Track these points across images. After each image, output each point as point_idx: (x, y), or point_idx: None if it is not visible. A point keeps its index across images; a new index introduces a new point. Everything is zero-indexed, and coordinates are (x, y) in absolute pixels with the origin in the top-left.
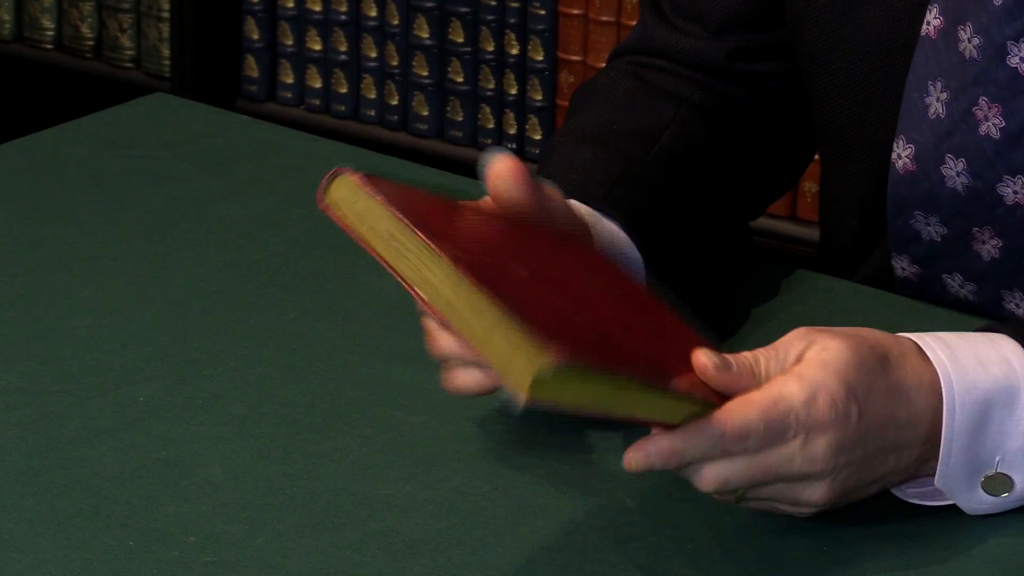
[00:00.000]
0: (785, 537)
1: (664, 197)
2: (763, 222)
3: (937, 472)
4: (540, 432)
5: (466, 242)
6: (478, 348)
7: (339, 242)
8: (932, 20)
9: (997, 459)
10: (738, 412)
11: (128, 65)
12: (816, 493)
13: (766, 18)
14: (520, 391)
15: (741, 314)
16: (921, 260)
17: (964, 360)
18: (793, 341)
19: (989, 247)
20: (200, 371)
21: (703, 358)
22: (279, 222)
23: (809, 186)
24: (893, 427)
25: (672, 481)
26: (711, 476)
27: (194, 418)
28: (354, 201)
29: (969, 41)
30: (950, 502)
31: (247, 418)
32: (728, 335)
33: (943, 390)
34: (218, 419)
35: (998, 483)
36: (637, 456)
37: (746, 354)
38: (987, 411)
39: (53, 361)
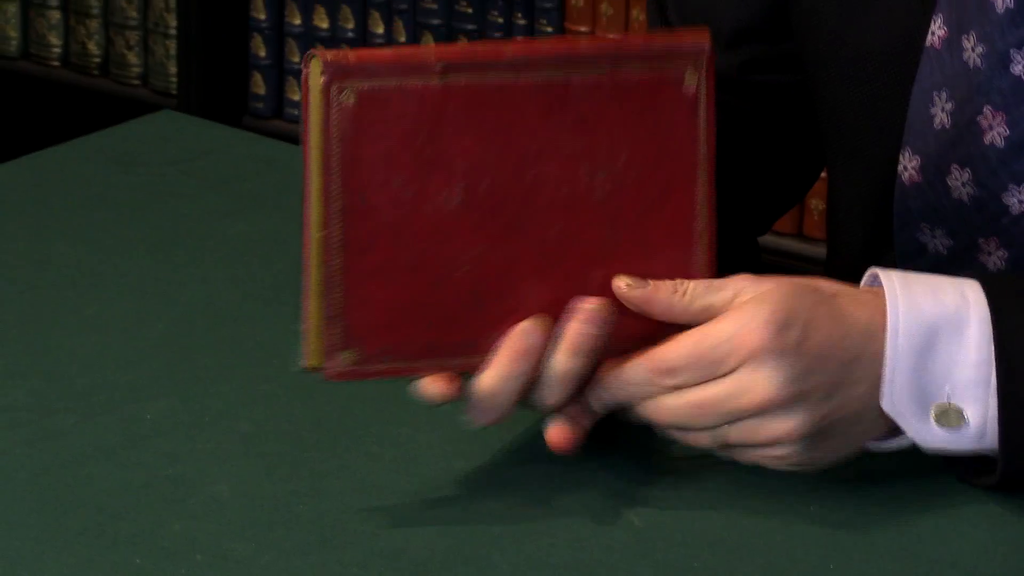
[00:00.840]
0: (794, 555)
1: None
2: (770, 239)
3: (883, 394)
4: (546, 452)
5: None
6: (306, 294)
7: None
8: (936, 30)
9: (947, 388)
10: (666, 347)
11: (135, 82)
12: (786, 425)
13: (777, 29)
14: (305, 360)
15: None
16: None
17: (916, 287)
18: (729, 281)
19: (995, 258)
20: (207, 388)
21: (618, 280)
22: (286, 239)
23: (816, 203)
24: (846, 353)
25: (679, 501)
26: (654, 411)
27: (201, 435)
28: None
29: (973, 50)
30: (908, 443)
31: (254, 435)
32: None
33: (887, 311)
34: (225, 436)
35: (951, 416)
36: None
37: (668, 283)
38: (933, 336)
39: (59, 378)
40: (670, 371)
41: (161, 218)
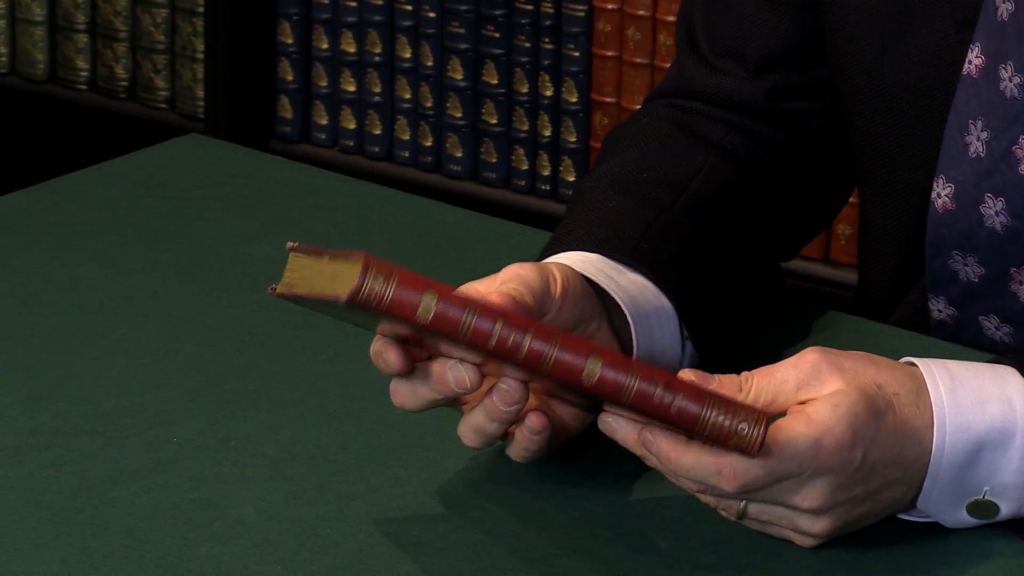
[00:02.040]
0: None
1: (693, 245)
2: (796, 264)
3: (919, 500)
4: (573, 474)
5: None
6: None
7: None
8: (974, 59)
9: (985, 489)
10: (741, 464)
11: (162, 106)
12: (816, 526)
13: (806, 56)
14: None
15: (774, 356)
16: (958, 302)
17: (963, 398)
18: (791, 370)
19: None
20: (233, 412)
21: (688, 373)
22: None
23: (843, 228)
24: (899, 466)
25: (705, 524)
26: (708, 500)
27: (227, 459)
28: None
29: (1010, 80)
30: (932, 519)
31: (280, 459)
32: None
33: (935, 427)
34: (251, 460)
35: (984, 508)
36: (643, 435)
37: (734, 376)
38: (978, 451)
39: (86, 402)
40: (743, 489)
41: (188, 242)
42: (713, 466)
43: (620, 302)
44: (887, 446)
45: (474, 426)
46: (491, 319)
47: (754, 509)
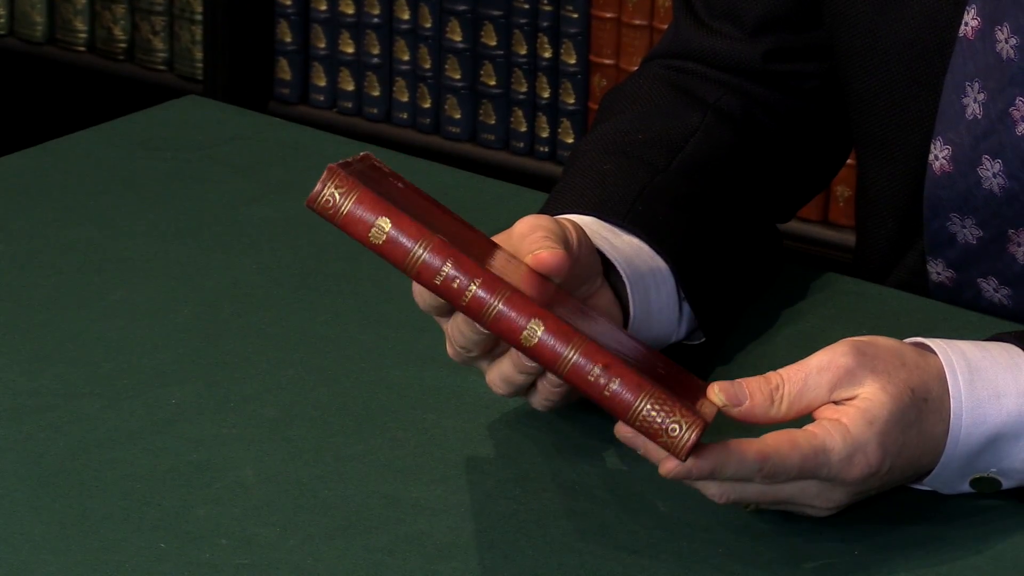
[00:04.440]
0: (817, 542)
1: (688, 207)
2: (795, 226)
3: (925, 481)
4: (573, 436)
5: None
6: None
7: None
8: (970, 21)
9: (993, 470)
10: (781, 452)
11: (161, 67)
12: (823, 512)
13: (803, 18)
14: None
15: (772, 317)
16: (956, 264)
17: (981, 391)
18: (822, 372)
19: None
20: (232, 374)
21: (714, 397)
22: (311, 225)
23: (841, 190)
24: (914, 468)
25: None
26: (729, 494)
27: (226, 420)
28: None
29: (1006, 42)
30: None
31: (279, 421)
32: (759, 338)
33: (951, 419)
34: (250, 422)
35: (987, 483)
36: (677, 468)
37: (763, 383)
38: (991, 443)
39: (85, 363)
40: (775, 475)
41: (186, 203)
42: (756, 462)
43: (616, 263)
44: (909, 456)
45: (503, 376)
46: (442, 258)
47: (775, 506)
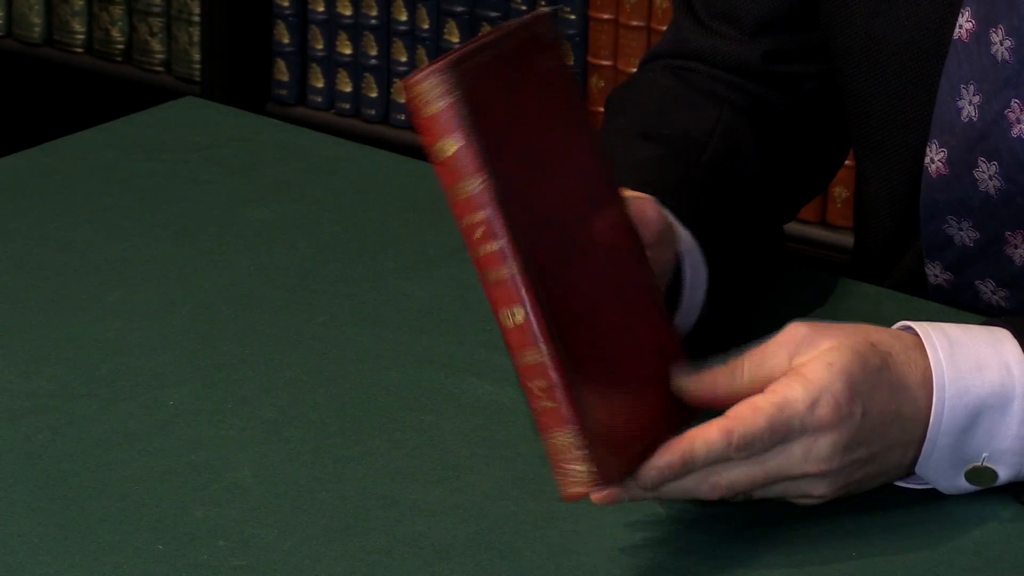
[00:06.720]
0: (817, 542)
1: (717, 202)
2: (793, 227)
3: (919, 464)
4: None
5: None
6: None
7: (369, 246)
8: (964, 23)
9: (984, 456)
10: (745, 419)
11: (158, 69)
12: (821, 488)
13: (801, 19)
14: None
15: (770, 318)
16: (953, 266)
17: (962, 363)
18: (779, 343)
19: (1022, 251)
20: (230, 375)
21: (678, 383)
22: (309, 226)
23: (839, 191)
24: (897, 423)
25: None
26: (718, 484)
27: (223, 422)
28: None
29: (1001, 43)
30: (930, 486)
31: (277, 422)
32: (756, 339)
33: (934, 391)
34: (248, 423)
35: (982, 475)
36: (649, 473)
37: (724, 365)
38: (977, 416)
39: (82, 364)
40: (749, 444)
41: (184, 204)
42: (723, 438)
43: (678, 232)
44: (884, 401)
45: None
46: (489, 198)
47: (759, 493)
